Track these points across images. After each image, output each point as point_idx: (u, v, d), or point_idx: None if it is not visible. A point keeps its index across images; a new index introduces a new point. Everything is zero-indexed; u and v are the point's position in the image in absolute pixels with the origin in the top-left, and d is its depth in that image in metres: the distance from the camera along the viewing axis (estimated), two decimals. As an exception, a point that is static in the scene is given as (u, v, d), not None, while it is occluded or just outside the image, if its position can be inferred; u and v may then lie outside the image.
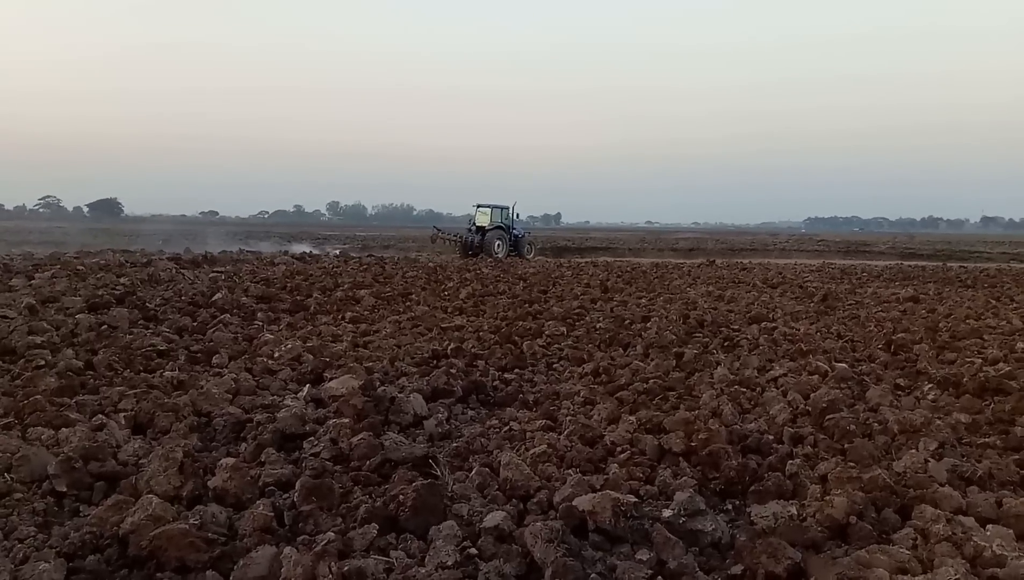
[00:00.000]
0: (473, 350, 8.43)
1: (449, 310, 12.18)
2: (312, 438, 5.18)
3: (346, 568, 3.23)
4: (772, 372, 7.36)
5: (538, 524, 3.61)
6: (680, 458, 4.93)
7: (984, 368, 7.77)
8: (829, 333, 10.40)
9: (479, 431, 5.60)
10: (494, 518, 3.81)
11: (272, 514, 3.92)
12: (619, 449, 5.06)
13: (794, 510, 3.99)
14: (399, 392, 6.36)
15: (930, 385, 7.10)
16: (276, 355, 7.97)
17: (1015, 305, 14.76)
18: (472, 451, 5.06)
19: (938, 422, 5.72)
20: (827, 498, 3.92)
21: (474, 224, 35.02)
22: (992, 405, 6.49)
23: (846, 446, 4.94)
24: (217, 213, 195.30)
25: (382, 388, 6.50)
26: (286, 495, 4.23)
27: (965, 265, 31.26)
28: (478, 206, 35.48)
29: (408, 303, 13.14)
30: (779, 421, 5.74)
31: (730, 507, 4.32)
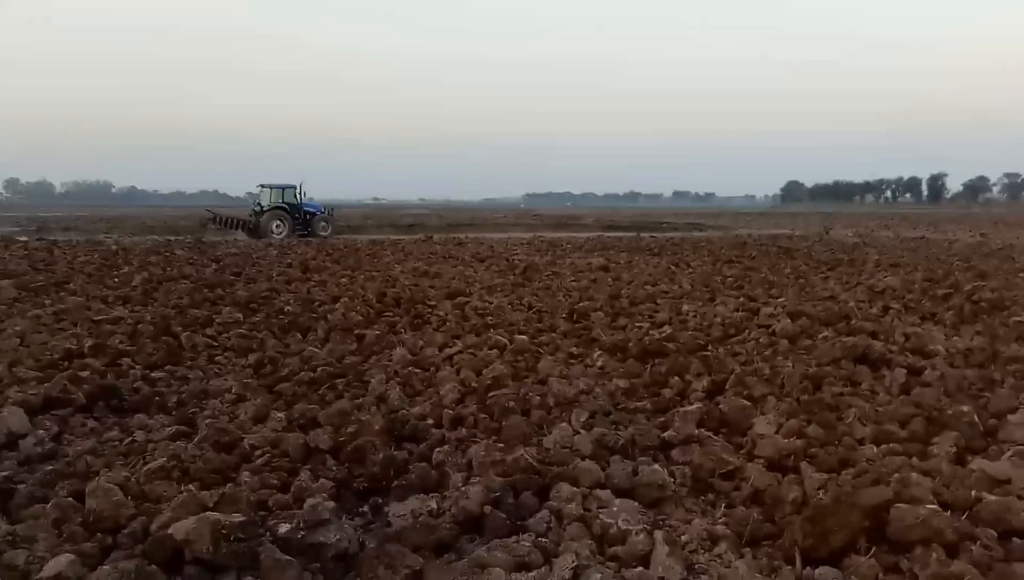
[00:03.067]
0: (120, 346, 7.24)
1: (111, 300, 10.58)
2: None
3: None
4: (450, 349, 7.14)
5: (105, 567, 2.90)
6: (327, 456, 4.42)
7: (650, 332, 8.22)
8: (521, 305, 10.55)
9: (89, 447, 4.64)
10: (57, 564, 3.01)
11: None
12: (258, 452, 4.43)
13: (434, 504, 3.65)
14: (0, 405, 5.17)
15: (600, 352, 7.30)
16: None
17: (690, 270, 16.29)
18: (68, 475, 4.12)
19: (598, 390, 5.82)
20: (463, 488, 3.62)
21: (259, 205, 32.66)
22: (652, 367, 6.80)
23: (503, 424, 4.75)
24: None
25: (-22, 403, 5.25)
26: None
27: (655, 235, 34.46)
28: (261, 186, 33.14)
29: (62, 293, 11.26)
30: (447, 402, 5.46)
31: (367, 509, 3.89)
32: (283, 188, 33.17)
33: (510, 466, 3.89)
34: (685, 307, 10.17)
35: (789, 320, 8.78)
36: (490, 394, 5.31)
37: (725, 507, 3.84)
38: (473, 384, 5.83)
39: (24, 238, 27.49)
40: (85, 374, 6.13)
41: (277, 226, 31.61)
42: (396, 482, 3.94)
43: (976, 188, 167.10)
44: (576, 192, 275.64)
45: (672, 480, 3.94)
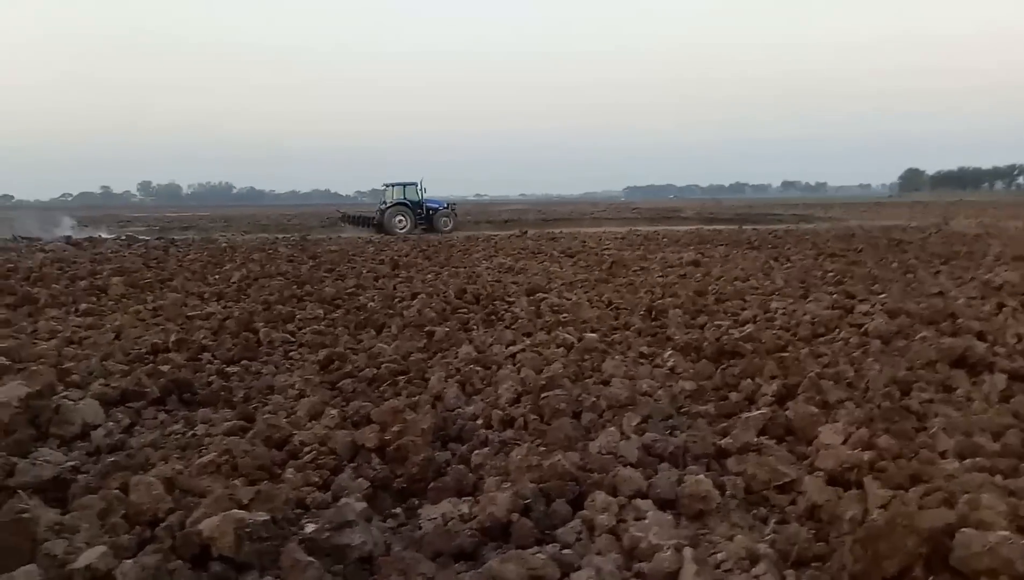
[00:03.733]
0: (203, 341, 7.53)
1: (207, 296, 11.07)
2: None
3: None
4: (515, 347, 7.04)
5: (129, 561, 2.97)
6: (373, 454, 4.42)
7: (730, 331, 7.86)
8: (600, 301, 10.33)
9: (151, 440, 4.81)
10: (89, 556, 3.11)
11: None
12: (307, 449, 4.47)
13: (466, 508, 3.58)
14: (80, 398, 5.45)
15: (671, 351, 7.03)
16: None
17: (789, 264, 15.56)
18: (124, 467, 4.26)
19: (660, 392, 5.59)
20: (491, 494, 3.52)
21: (384, 202, 34.91)
22: (725, 369, 6.49)
23: (549, 427, 4.62)
24: (12, 197, 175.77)
25: (64, 394, 5.55)
26: None
27: (758, 227, 33.13)
28: (385, 185, 35.58)
29: (164, 290, 11.87)
30: (502, 402, 5.37)
31: (400, 510, 3.83)
32: (404, 185, 34.82)
33: (547, 472, 3.76)
34: (774, 304, 9.70)
35: (886, 318, 8.22)
36: (543, 395, 5.17)
37: (776, 523, 3.59)
38: (533, 384, 5.70)
39: (146, 237, 29.21)
40: (166, 368, 6.39)
41: (400, 221, 33.11)
42: (432, 484, 3.88)
43: None
44: (679, 184, 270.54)
45: (720, 492, 3.71)
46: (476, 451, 4.23)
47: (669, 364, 6.69)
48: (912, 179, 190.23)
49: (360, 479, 3.98)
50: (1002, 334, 7.55)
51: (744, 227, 33.25)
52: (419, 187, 34.84)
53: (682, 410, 5.34)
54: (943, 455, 4.31)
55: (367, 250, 20.87)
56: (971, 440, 4.45)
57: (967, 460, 4.17)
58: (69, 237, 27.84)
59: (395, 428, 4.48)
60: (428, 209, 34.49)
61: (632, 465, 4.01)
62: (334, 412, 5.00)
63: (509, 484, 3.61)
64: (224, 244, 23.76)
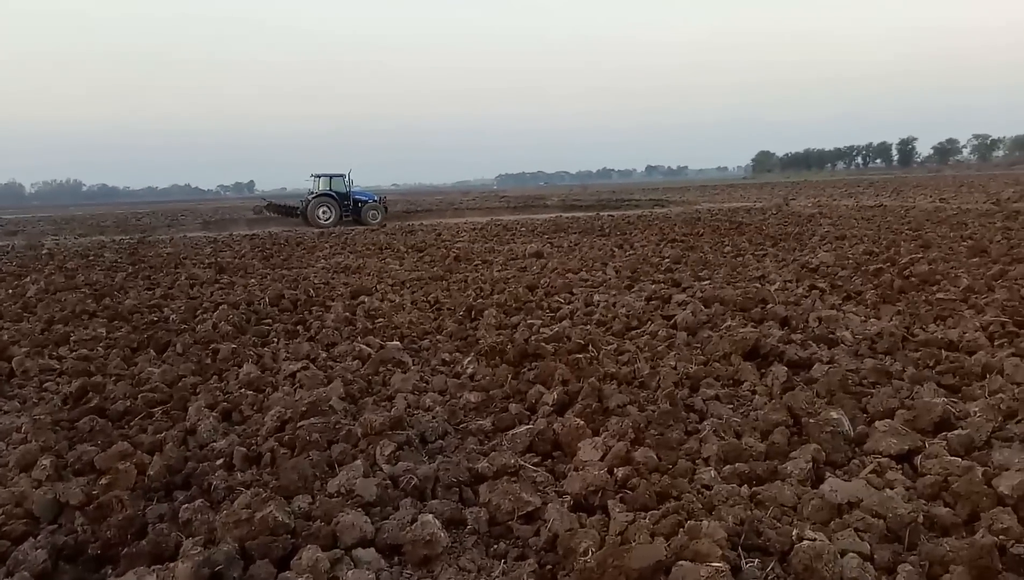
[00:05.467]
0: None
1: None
2: None
3: None
4: (296, 364, 6.46)
5: None
6: (77, 513, 3.79)
7: (540, 330, 7.62)
8: (425, 301, 9.91)
9: None
10: None
11: None
12: (-4, 513, 3.79)
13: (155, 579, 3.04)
14: None
15: (471, 357, 6.69)
16: None
17: (631, 252, 15.65)
18: None
19: (439, 408, 5.21)
20: (174, 563, 3.01)
21: (311, 193, 33.97)
22: (523, 373, 6.20)
23: (283, 466, 4.10)
24: None
25: None
26: None
27: (614, 214, 33.54)
28: (312, 175, 34.73)
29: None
30: (263, 433, 4.83)
31: (79, 589, 3.25)
32: (331, 177, 34.19)
33: (257, 526, 3.27)
34: (597, 297, 9.57)
35: (698, 307, 8.19)
36: (299, 423, 4.68)
37: (514, 560, 3.26)
38: (303, 408, 5.18)
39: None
40: None
41: (323, 212, 32.43)
42: (125, 550, 3.32)
43: (946, 151, 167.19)
44: (549, 172, 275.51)
45: (460, 527, 3.34)
46: (185, 505, 3.66)
47: (468, 371, 6.35)
48: (764, 161, 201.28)
49: (39, 550, 3.36)
50: (804, 318, 7.69)
51: (601, 214, 33.71)
52: (347, 179, 34.17)
53: (460, 426, 4.98)
54: (707, 462, 4.14)
55: (203, 250, 19.58)
56: (738, 443, 4.31)
57: (728, 467, 4.01)
58: None
59: (103, 481, 3.87)
60: (356, 201, 33.63)
61: (369, 504, 3.59)
62: (47, 462, 4.29)
63: (202, 548, 3.10)
64: (46, 250, 21.72)
